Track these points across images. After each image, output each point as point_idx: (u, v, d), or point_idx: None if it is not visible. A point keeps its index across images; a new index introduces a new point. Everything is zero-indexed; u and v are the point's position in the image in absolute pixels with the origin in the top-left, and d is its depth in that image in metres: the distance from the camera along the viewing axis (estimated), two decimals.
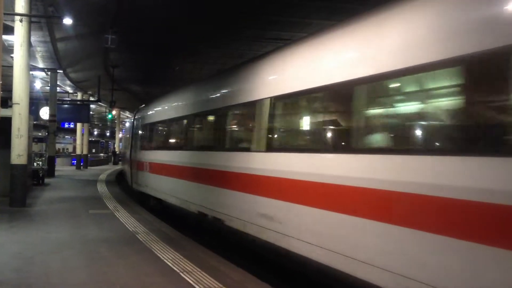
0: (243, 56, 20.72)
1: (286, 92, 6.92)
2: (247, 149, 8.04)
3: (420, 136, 4.80)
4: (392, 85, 5.13)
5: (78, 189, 19.86)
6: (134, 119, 19.32)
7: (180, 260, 7.41)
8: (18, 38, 13.57)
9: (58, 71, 27.16)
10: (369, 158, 5.08)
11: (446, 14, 4.33)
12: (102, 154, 63.73)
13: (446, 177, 4.05)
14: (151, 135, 15.92)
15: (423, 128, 4.74)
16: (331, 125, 6.20)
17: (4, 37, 16.59)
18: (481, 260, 3.68)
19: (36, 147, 34.06)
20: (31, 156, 19.07)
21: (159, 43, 21.50)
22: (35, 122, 28.77)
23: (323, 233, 5.67)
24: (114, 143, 66.66)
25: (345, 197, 5.30)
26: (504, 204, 3.55)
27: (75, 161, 39.64)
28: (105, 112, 53.87)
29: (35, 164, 21.93)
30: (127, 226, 10.65)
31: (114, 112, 50.61)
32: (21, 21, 13.52)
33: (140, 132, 17.40)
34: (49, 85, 28.22)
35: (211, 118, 10.42)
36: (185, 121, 12.07)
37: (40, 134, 45.23)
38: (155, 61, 26.06)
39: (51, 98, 27.88)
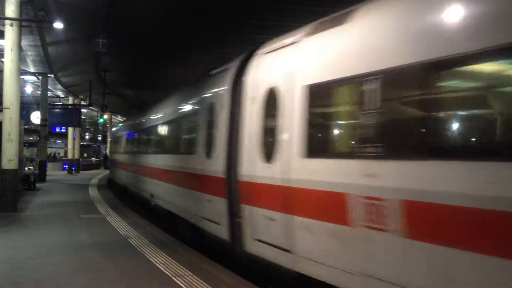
0: None
1: None
2: None
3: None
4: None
5: (70, 193, 19.78)
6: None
7: (172, 264, 7.40)
8: (8, 42, 13.51)
9: (49, 75, 27.05)
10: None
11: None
12: (93, 159, 63.44)
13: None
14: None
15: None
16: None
17: None
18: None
19: (27, 152, 33.82)
20: (22, 161, 18.96)
21: (150, 47, 21.48)
22: (26, 127, 28.57)
23: None
24: (106, 148, 66.40)
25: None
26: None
27: (66, 166, 39.45)
28: (97, 116, 53.67)
29: (26, 168, 21.81)
30: (119, 230, 10.62)
31: (105, 116, 50.44)
32: (11, 25, 13.46)
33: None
34: (40, 89, 28.10)
35: None
36: None
37: (31, 138, 44.97)
38: (147, 65, 26.03)
39: (42, 102, 27.75)
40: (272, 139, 6.29)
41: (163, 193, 12.51)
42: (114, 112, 51.96)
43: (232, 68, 8.21)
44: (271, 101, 6.42)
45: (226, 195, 7.54)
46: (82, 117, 42.46)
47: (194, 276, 6.69)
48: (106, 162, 50.89)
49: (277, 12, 16.03)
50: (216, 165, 7.97)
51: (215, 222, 8.07)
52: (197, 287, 6.17)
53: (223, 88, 8.28)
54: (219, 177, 7.83)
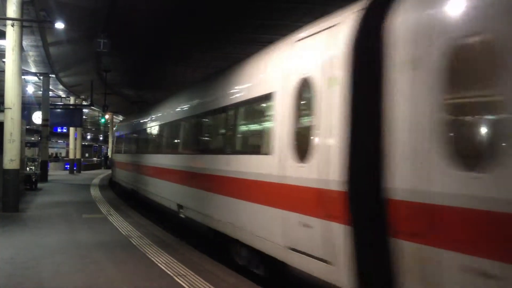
0: (237, 59, 20.79)
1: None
2: None
3: None
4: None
5: (71, 193, 19.79)
6: None
7: (174, 264, 7.42)
8: (9, 42, 13.52)
9: (50, 75, 27.11)
10: None
11: None
12: (95, 159, 63.56)
13: None
14: None
15: None
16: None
17: None
18: None
19: (29, 152, 33.85)
20: (23, 161, 18.99)
21: (151, 47, 21.49)
22: (27, 127, 28.63)
23: None
24: (107, 147, 66.51)
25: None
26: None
27: (68, 166, 39.51)
28: (98, 116, 53.74)
29: (28, 168, 21.84)
30: (120, 230, 10.64)
31: (107, 116, 50.50)
32: (12, 25, 13.48)
33: None
34: (42, 89, 28.14)
35: None
36: None
37: (33, 138, 45.07)
38: (147, 65, 26.05)
39: (43, 102, 27.79)
40: (485, 130, 3.59)
41: (203, 205, 9.38)
42: (115, 112, 52.02)
43: (345, 22, 5.25)
44: (476, 62, 3.69)
45: (347, 219, 4.84)
46: (84, 117, 42.52)
47: (196, 275, 6.71)
48: (107, 162, 51.05)
49: (277, 12, 16.01)
50: (322, 172, 5.27)
51: (319, 259, 5.30)
52: (199, 286, 6.19)
53: (333, 53, 5.30)
54: (330, 191, 5.11)
